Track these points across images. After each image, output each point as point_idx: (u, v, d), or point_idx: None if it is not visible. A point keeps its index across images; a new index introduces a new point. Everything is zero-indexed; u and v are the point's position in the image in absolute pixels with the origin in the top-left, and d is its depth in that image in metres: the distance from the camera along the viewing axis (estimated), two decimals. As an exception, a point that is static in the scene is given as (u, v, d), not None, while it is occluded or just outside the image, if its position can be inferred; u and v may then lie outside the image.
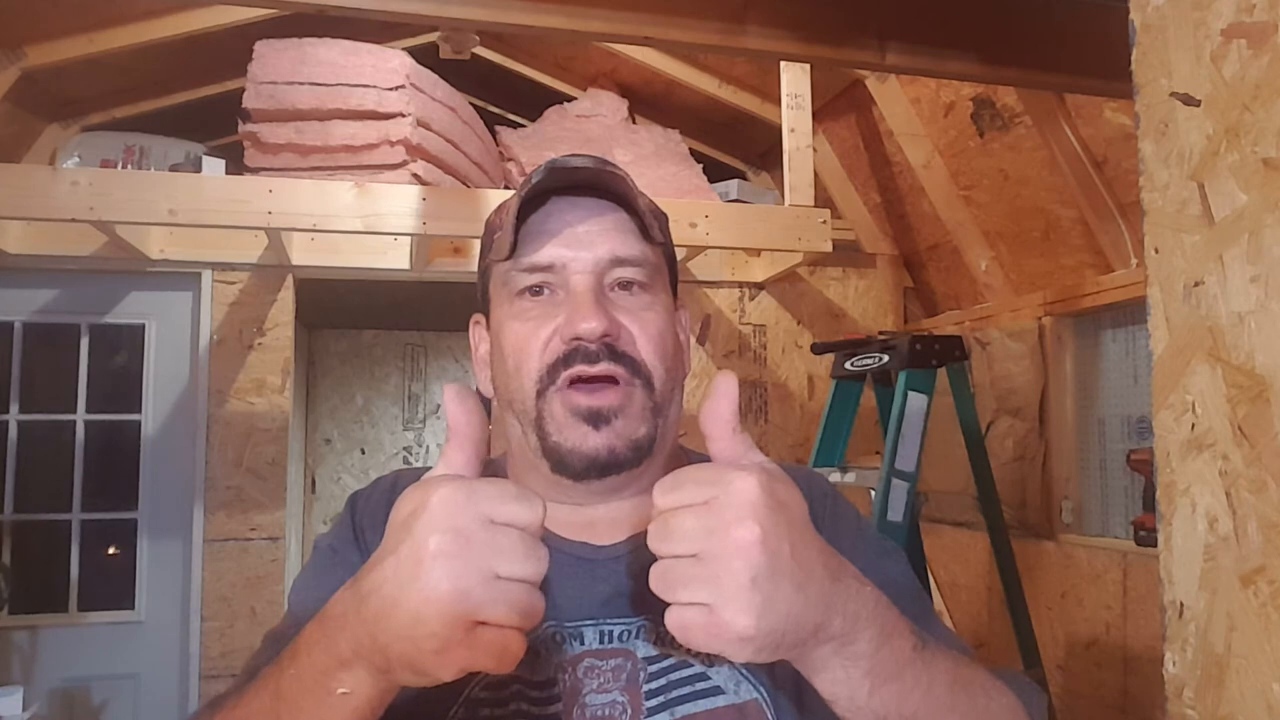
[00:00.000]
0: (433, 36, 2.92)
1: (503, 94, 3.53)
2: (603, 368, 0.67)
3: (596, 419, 0.68)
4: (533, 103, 3.22)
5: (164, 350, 2.82)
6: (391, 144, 2.37)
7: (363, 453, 5.23)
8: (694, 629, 0.51)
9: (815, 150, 2.88)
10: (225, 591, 2.73)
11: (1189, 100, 0.57)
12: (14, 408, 2.76)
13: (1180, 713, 0.57)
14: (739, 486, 0.52)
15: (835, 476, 2.39)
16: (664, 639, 0.68)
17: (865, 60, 1.53)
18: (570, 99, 3.18)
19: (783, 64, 2.63)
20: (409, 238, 2.68)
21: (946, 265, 3.12)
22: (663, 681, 0.67)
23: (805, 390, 3.23)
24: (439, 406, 5.43)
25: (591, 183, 0.70)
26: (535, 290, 0.70)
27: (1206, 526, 0.56)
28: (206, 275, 2.78)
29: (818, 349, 2.67)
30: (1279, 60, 0.51)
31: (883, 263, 3.33)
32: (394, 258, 2.86)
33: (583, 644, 0.68)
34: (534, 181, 0.68)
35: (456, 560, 0.50)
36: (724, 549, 0.50)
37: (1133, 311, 2.41)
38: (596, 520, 0.73)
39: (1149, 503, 2.27)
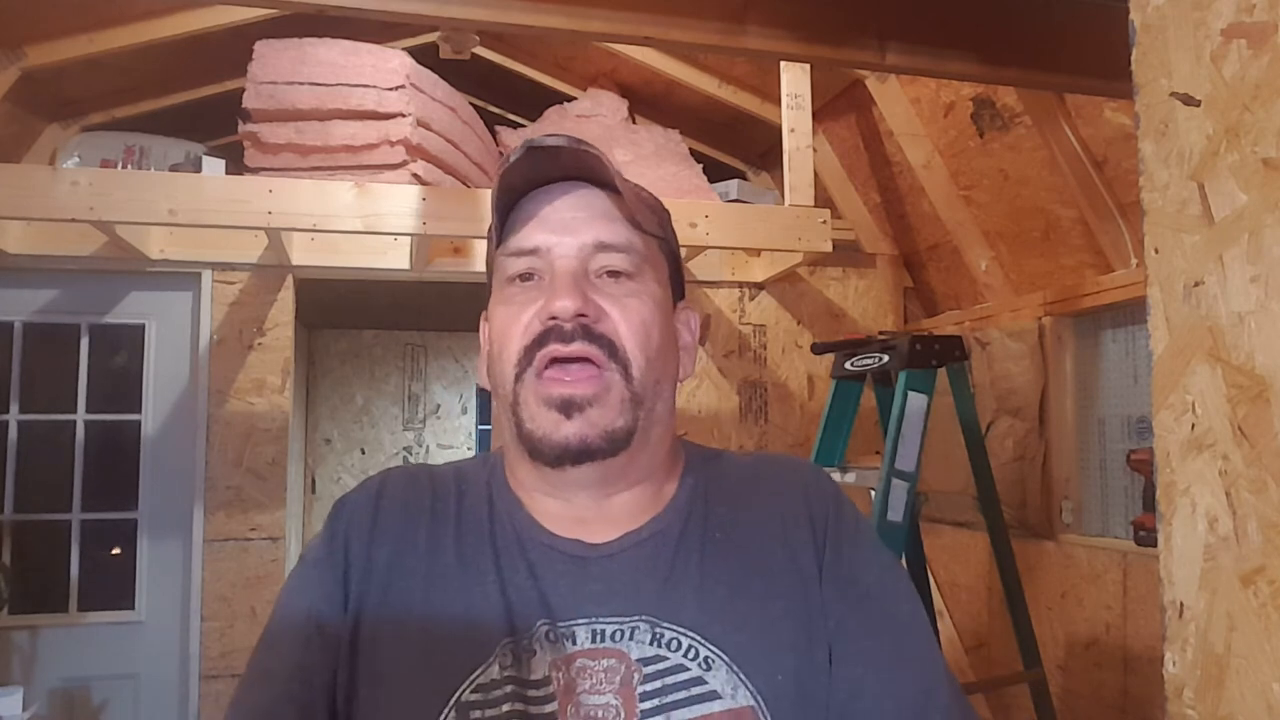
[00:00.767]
0: (433, 36, 2.92)
1: (503, 94, 3.53)
2: (576, 347, 0.67)
3: (568, 407, 0.67)
4: (533, 103, 3.22)
5: (164, 350, 2.82)
6: (391, 144, 2.37)
7: (363, 453, 5.23)
8: None
9: (815, 150, 2.88)
10: (225, 591, 2.73)
11: (1189, 100, 0.57)
12: (14, 408, 2.76)
13: (1180, 713, 0.57)
14: None
15: (835, 476, 2.39)
16: (659, 640, 0.67)
17: (865, 60, 1.53)
18: (570, 99, 3.18)
19: (783, 64, 2.63)
20: (409, 238, 2.68)
21: (946, 265, 3.12)
22: (658, 684, 0.66)
23: (805, 390, 3.23)
24: (439, 406, 5.44)
25: (574, 166, 0.70)
26: (524, 276, 0.70)
27: (1206, 526, 0.56)
28: (206, 275, 2.78)
29: (818, 349, 2.67)
30: (1279, 60, 0.51)
31: (883, 263, 3.33)
32: (394, 258, 2.86)
33: (575, 643, 0.67)
34: (511, 161, 0.67)
35: None
36: None
37: (1133, 311, 2.41)
38: (588, 517, 0.72)
39: (1149, 503, 2.27)
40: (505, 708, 0.64)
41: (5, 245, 2.59)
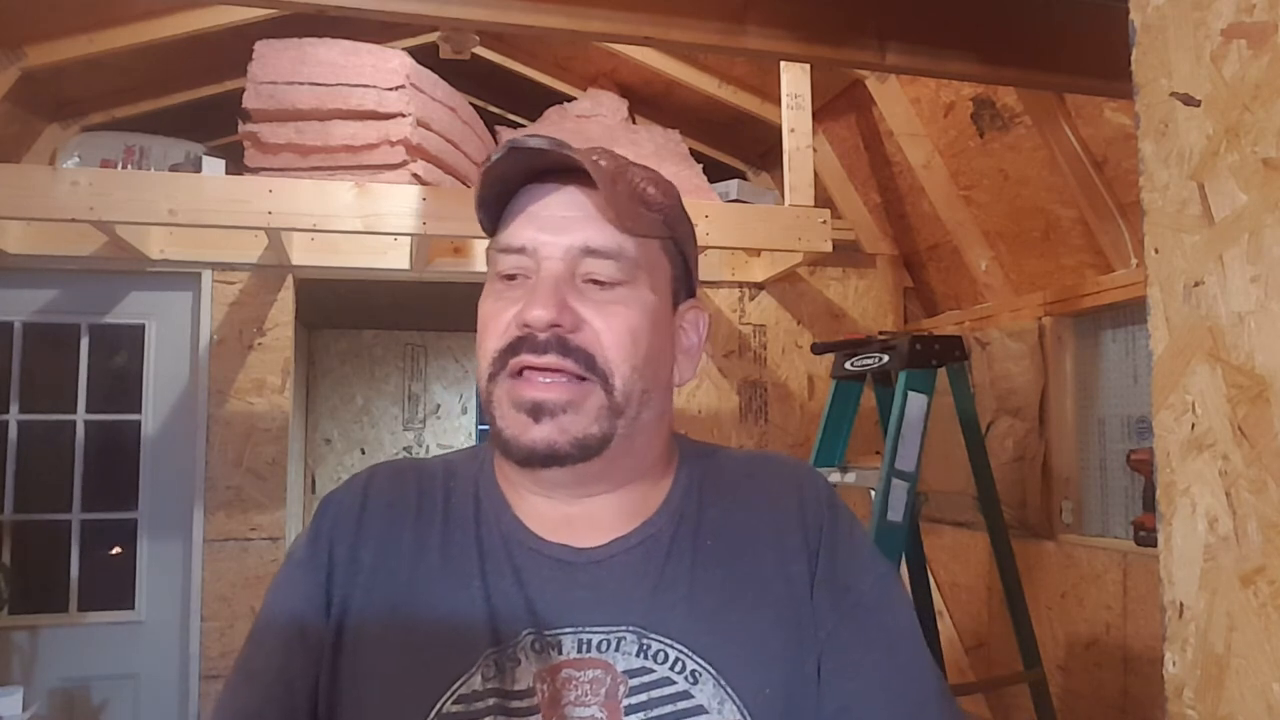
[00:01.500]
0: (433, 36, 2.92)
1: (503, 94, 3.53)
2: (549, 359, 0.65)
3: (537, 411, 0.65)
4: (533, 103, 3.22)
5: (164, 350, 2.82)
6: (391, 144, 2.37)
7: (363, 453, 5.23)
8: None
9: (815, 150, 2.88)
10: (225, 591, 2.73)
11: (1189, 100, 0.57)
12: (14, 408, 2.75)
13: (1180, 713, 0.57)
14: None
15: (835, 476, 2.39)
16: (645, 651, 0.66)
17: (865, 60, 1.53)
18: (570, 99, 3.18)
19: (783, 64, 2.63)
20: (409, 238, 2.68)
21: (946, 265, 3.12)
22: (643, 698, 0.65)
23: (805, 390, 3.23)
24: (439, 406, 5.44)
25: (569, 163, 0.68)
26: (511, 275, 0.69)
27: (1206, 526, 0.56)
28: (206, 275, 2.78)
29: (818, 349, 2.67)
30: (1279, 60, 0.51)
31: (883, 263, 3.33)
32: (394, 258, 2.86)
33: (560, 653, 0.66)
34: (493, 160, 0.66)
35: None
36: None
37: (1133, 311, 2.41)
38: (574, 518, 0.71)
39: (1149, 503, 2.27)
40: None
41: (5, 245, 2.59)
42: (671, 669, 0.66)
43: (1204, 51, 0.56)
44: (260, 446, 2.78)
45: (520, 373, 0.66)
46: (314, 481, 5.10)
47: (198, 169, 2.48)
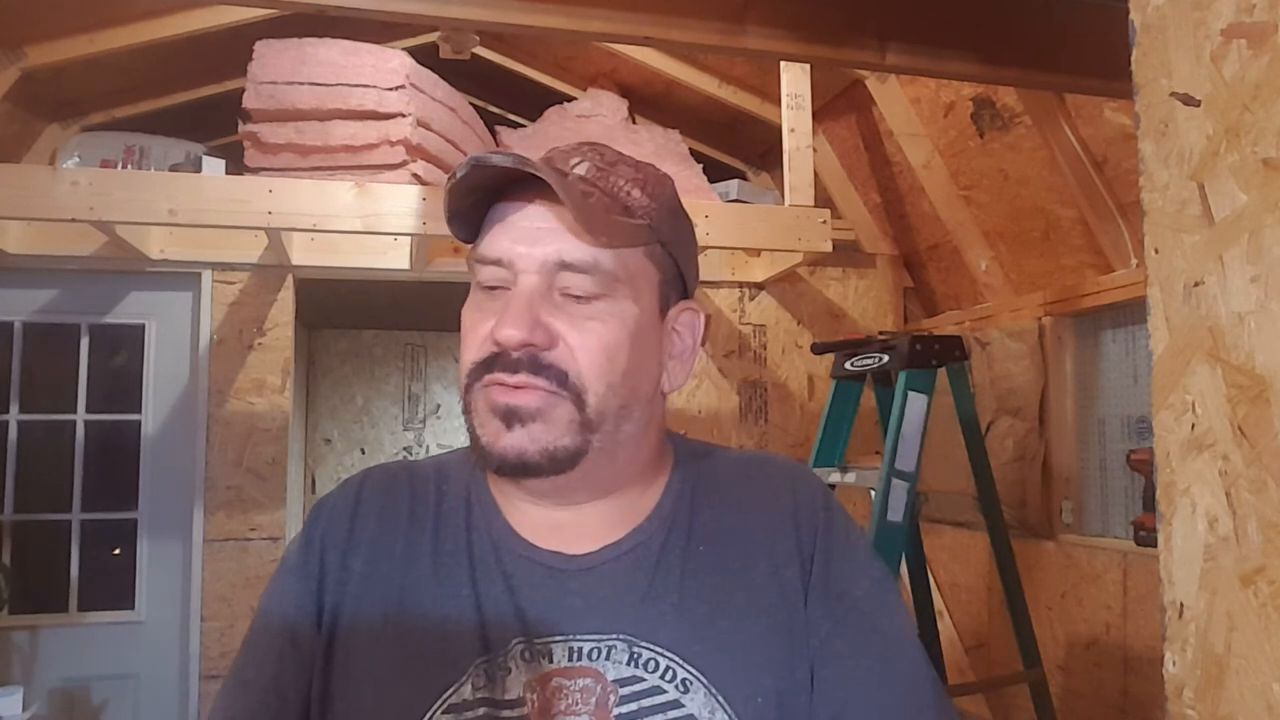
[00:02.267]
0: (433, 36, 2.92)
1: (503, 94, 3.53)
2: (520, 379, 0.65)
3: (511, 418, 0.65)
4: (533, 103, 3.22)
5: (164, 350, 2.82)
6: (391, 144, 2.37)
7: (363, 453, 5.23)
8: None
9: (815, 150, 2.88)
10: (225, 591, 2.73)
11: (1189, 100, 0.57)
12: (14, 408, 2.76)
13: (1180, 713, 0.57)
14: None
15: (835, 476, 2.39)
16: (636, 660, 0.66)
17: (865, 60, 1.53)
18: (570, 99, 3.18)
19: (783, 64, 2.63)
20: (409, 238, 2.68)
21: (946, 265, 3.12)
22: (634, 707, 0.64)
23: (805, 390, 3.23)
24: (439, 406, 5.43)
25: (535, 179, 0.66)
26: (492, 286, 0.68)
27: (1206, 526, 0.56)
28: (206, 275, 2.78)
29: (818, 349, 2.67)
30: (1279, 60, 0.51)
31: (883, 263, 3.33)
32: (394, 258, 2.86)
33: (551, 661, 0.66)
34: (458, 177, 0.65)
35: None
36: None
37: (1133, 311, 2.41)
38: (564, 524, 0.71)
39: (1149, 503, 2.27)
40: None
41: (5, 245, 2.59)
42: (662, 678, 0.65)
43: (1204, 51, 0.56)
44: (260, 446, 2.78)
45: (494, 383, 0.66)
46: (314, 481, 5.10)
47: (198, 169, 2.48)
